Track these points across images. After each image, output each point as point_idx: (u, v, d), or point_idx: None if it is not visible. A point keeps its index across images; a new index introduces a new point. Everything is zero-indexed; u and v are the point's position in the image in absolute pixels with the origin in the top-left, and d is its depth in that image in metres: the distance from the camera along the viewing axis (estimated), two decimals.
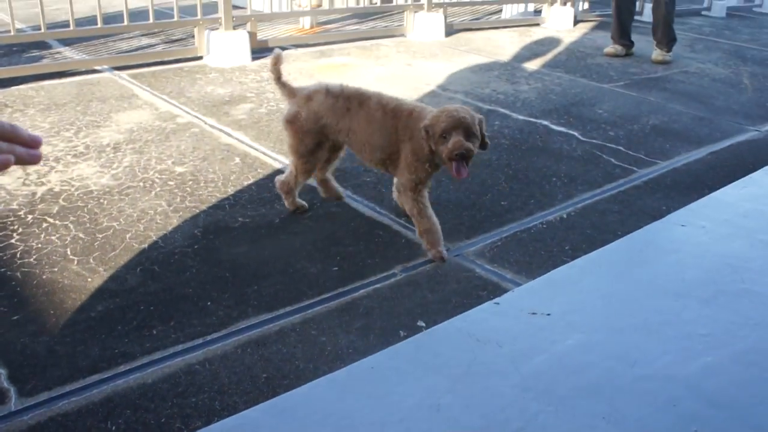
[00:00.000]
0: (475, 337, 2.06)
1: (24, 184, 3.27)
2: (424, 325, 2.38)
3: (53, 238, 2.84)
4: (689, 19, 9.46)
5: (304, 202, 3.16)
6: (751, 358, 2.00)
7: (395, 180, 3.10)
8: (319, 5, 7.19)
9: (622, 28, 6.70)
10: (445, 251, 2.80)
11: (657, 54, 6.55)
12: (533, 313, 2.19)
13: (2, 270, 2.62)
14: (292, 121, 2.95)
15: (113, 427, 1.92)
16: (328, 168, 3.17)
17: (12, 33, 4.93)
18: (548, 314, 2.19)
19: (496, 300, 2.30)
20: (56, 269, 2.63)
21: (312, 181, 3.22)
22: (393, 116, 2.78)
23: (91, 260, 2.70)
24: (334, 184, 3.27)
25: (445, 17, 7.03)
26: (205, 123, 4.18)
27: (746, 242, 2.68)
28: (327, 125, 2.89)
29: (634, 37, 6.82)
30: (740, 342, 2.07)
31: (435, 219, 2.81)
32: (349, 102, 2.86)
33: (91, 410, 1.97)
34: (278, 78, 3.00)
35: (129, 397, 2.03)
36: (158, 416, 1.96)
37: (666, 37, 6.55)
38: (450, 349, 2.01)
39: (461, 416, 1.73)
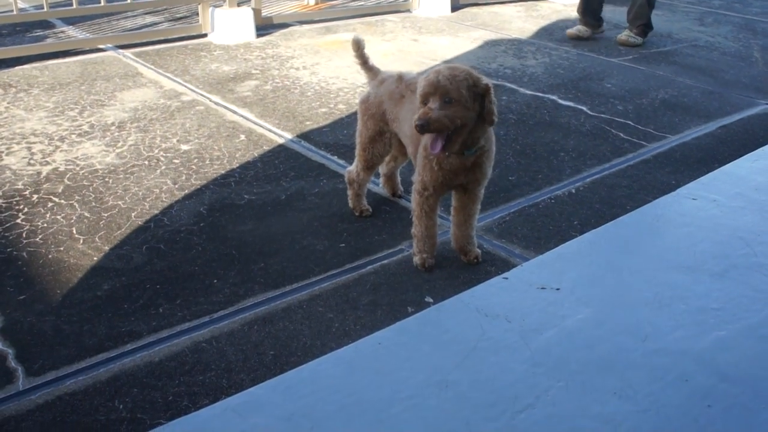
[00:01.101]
0: (483, 312, 2.04)
1: (29, 164, 3.26)
2: (431, 300, 2.36)
3: (59, 217, 2.82)
4: None
5: (368, 206, 2.94)
6: (764, 332, 1.98)
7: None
8: None
9: (588, 2, 6.05)
10: (430, 260, 2.57)
11: (623, 34, 5.99)
12: (542, 288, 2.17)
13: (8, 250, 2.61)
14: (362, 102, 2.79)
15: (120, 406, 1.91)
16: (395, 165, 3.04)
17: (15, 12, 4.89)
18: (557, 289, 2.17)
19: (505, 275, 2.27)
20: (62, 248, 2.62)
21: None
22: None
23: (97, 239, 2.69)
24: (397, 180, 3.11)
25: None
26: (210, 100, 4.15)
27: (758, 216, 2.64)
28: (386, 111, 2.70)
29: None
30: (753, 316, 2.04)
31: (431, 229, 2.55)
32: (406, 89, 2.63)
33: (98, 389, 1.97)
34: (364, 62, 2.82)
35: (136, 376, 2.02)
36: (165, 394, 1.95)
37: (638, 19, 6.00)
38: (458, 325, 1.99)
39: (470, 392, 1.72)
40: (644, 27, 6.08)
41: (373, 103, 2.73)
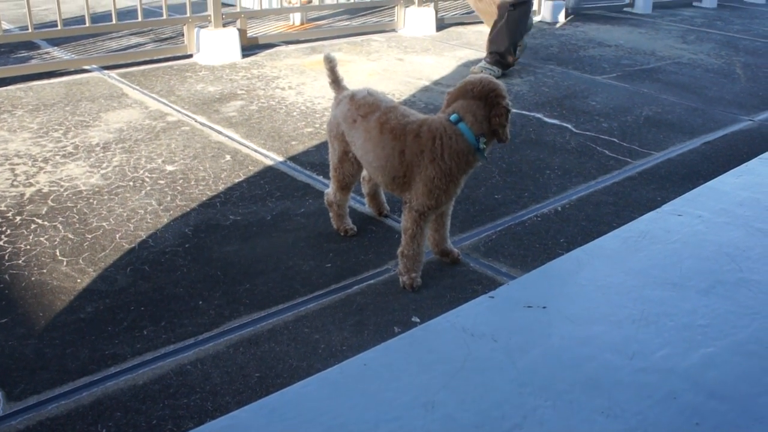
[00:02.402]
0: (470, 331, 2.02)
1: (12, 185, 3.23)
2: (418, 320, 2.35)
3: (42, 239, 2.79)
4: (680, 10, 9.43)
5: (351, 225, 2.92)
6: (751, 348, 1.97)
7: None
8: (309, 1, 7.14)
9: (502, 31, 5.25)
10: (419, 279, 2.56)
11: (479, 65, 5.29)
12: (529, 307, 2.16)
13: None
14: (328, 123, 2.78)
15: (104, 430, 1.88)
16: (376, 184, 3.00)
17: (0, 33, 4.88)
18: (544, 307, 2.16)
19: (491, 294, 2.26)
20: (45, 270, 2.59)
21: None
22: (398, 134, 2.47)
23: (81, 261, 2.66)
24: (382, 199, 3.07)
25: (436, 12, 6.99)
26: (195, 121, 4.14)
27: (743, 231, 2.65)
28: (344, 132, 2.66)
29: (625, 28, 6.79)
30: (740, 332, 2.04)
31: (423, 248, 2.55)
32: (357, 112, 2.58)
33: (80, 413, 1.94)
34: (334, 80, 2.79)
35: (119, 399, 1.99)
36: (149, 418, 1.93)
37: (493, 45, 5.25)
38: (445, 345, 1.98)
39: (457, 413, 1.70)
40: (499, 56, 5.27)
41: (332, 123, 2.73)
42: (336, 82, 2.80)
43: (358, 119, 2.56)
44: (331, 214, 2.93)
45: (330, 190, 2.86)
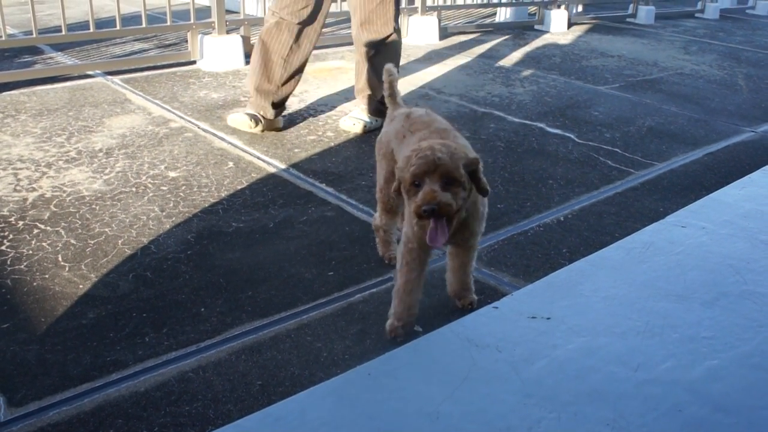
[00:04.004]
0: (474, 342, 2.02)
1: (15, 190, 3.23)
2: (421, 330, 2.34)
3: (44, 244, 2.79)
4: (683, 21, 9.45)
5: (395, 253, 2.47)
6: (756, 360, 1.97)
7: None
8: None
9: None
10: (400, 329, 2.26)
11: (350, 118, 4.24)
12: (533, 317, 2.15)
13: None
14: (377, 140, 2.58)
15: None
16: None
17: (3, 38, 4.88)
18: (548, 318, 2.15)
19: (495, 304, 2.26)
20: (47, 276, 2.59)
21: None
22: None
23: (83, 267, 2.66)
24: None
25: (439, 21, 7.00)
26: (199, 127, 4.14)
27: (747, 243, 2.64)
28: (394, 150, 2.46)
29: (628, 38, 6.80)
30: (744, 344, 2.03)
31: (409, 284, 2.23)
32: (409, 128, 2.38)
33: (82, 420, 1.93)
34: (391, 94, 2.63)
35: (121, 406, 1.98)
36: (151, 425, 1.92)
37: (370, 90, 4.22)
38: (448, 355, 1.97)
39: (461, 424, 1.69)
40: (379, 103, 4.17)
41: (382, 140, 2.55)
42: (393, 96, 2.65)
43: (407, 135, 2.38)
44: (377, 240, 2.77)
45: (376, 214, 2.70)
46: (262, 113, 4.11)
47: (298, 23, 4.00)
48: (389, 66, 2.66)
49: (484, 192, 2.07)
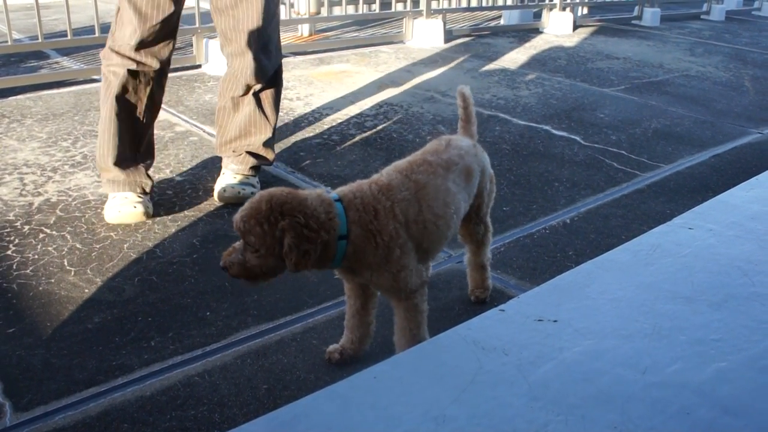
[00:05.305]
0: (480, 345, 2.00)
1: (21, 194, 3.23)
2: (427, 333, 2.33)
3: (50, 248, 2.79)
4: (688, 23, 9.43)
5: None
6: (765, 363, 1.95)
7: None
8: (317, 13, 7.16)
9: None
10: (336, 355, 2.19)
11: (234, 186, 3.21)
12: (540, 320, 2.14)
13: None
14: None
15: None
16: (480, 252, 2.48)
17: (9, 43, 4.90)
18: (555, 321, 2.14)
19: (501, 307, 2.24)
20: (53, 280, 2.59)
21: None
22: None
23: (89, 271, 2.66)
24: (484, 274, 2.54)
25: (444, 23, 7.00)
26: (204, 131, 4.14)
27: (755, 245, 2.62)
28: None
29: (633, 41, 6.79)
30: (753, 347, 2.01)
31: (350, 309, 2.18)
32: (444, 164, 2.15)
33: (87, 424, 1.92)
34: (466, 118, 2.37)
35: (127, 411, 1.98)
36: (156, 429, 1.91)
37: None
38: (454, 358, 1.96)
39: (468, 427, 1.68)
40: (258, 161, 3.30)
41: None
42: (465, 120, 2.38)
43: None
44: None
45: None
46: (140, 189, 3.04)
47: (159, 67, 3.18)
48: (462, 89, 2.37)
49: (289, 260, 1.84)
